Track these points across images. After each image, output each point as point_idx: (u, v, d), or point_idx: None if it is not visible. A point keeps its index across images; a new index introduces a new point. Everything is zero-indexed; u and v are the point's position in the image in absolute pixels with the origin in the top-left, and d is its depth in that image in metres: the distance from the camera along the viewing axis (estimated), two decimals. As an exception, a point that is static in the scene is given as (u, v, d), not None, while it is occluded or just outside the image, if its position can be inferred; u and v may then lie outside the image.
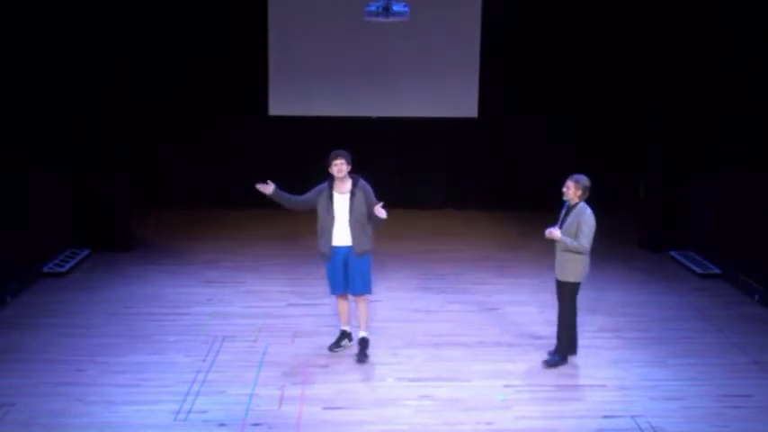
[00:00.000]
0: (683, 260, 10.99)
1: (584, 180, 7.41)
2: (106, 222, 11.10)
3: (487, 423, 6.53)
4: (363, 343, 7.75)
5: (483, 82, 13.48)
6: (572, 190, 7.39)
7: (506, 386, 7.19)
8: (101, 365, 7.44)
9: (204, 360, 7.62)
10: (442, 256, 11.19)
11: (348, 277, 7.64)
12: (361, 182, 7.57)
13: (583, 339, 8.25)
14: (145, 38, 12.82)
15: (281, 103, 13.48)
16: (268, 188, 7.57)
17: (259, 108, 13.48)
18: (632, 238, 12.10)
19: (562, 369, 7.54)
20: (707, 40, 10.64)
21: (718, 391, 7.16)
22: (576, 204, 7.40)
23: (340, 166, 7.47)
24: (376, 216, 7.41)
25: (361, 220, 7.48)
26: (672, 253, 11.32)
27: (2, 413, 6.47)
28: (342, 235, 7.53)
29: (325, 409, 6.73)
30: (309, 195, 7.67)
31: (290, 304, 9.25)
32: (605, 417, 6.67)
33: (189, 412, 6.60)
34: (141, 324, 8.51)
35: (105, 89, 10.81)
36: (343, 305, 7.91)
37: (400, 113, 13.49)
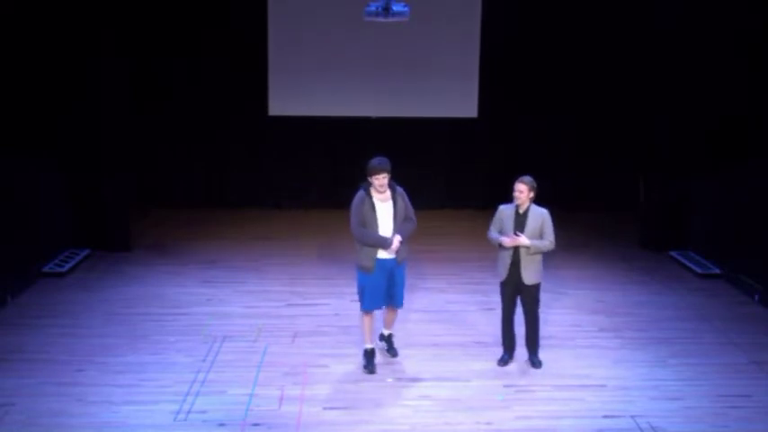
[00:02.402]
0: (683, 260, 10.99)
1: (533, 181, 7.35)
2: (106, 222, 11.09)
3: (487, 423, 6.53)
4: (391, 338, 7.78)
5: (483, 82, 13.48)
6: (525, 193, 7.29)
7: (506, 386, 7.20)
8: (101, 365, 7.44)
9: (204, 360, 7.62)
10: (442, 256, 11.20)
11: (391, 290, 7.36)
12: (399, 188, 7.32)
13: (583, 339, 8.28)
14: (144, 38, 12.82)
15: (281, 103, 13.48)
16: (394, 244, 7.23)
17: (259, 108, 13.49)
18: (632, 238, 12.11)
19: (562, 369, 7.54)
20: (707, 40, 10.63)
21: (718, 391, 7.16)
22: (529, 207, 7.33)
23: (383, 181, 7.09)
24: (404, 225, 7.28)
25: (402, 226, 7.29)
26: (672, 253, 11.32)
27: (2, 413, 6.47)
28: None
29: (325, 409, 6.73)
30: (359, 215, 7.17)
31: (290, 304, 9.25)
32: (605, 417, 6.67)
33: (189, 412, 6.60)
34: (141, 324, 8.50)
35: (105, 89, 10.80)
36: (372, 321, 7.47)
37: (400, 113, 13.50)
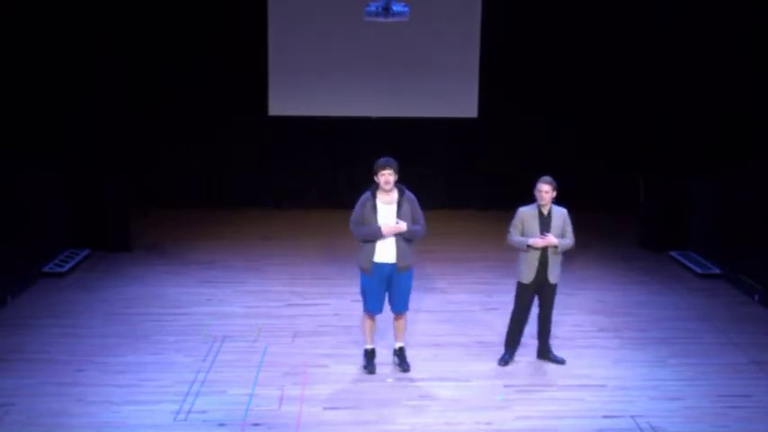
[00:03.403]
0: (683, 260, 10.99)
1: (554, 180, 7.36)
2: (106, 222, 11.09)
3: (487, 423, 6.53)
4: (403, 352, 7.56)
5: (483, 82, 13.48)
6: (550, 193, 7.29)
7: (506, 386, 7.20)
8: (101, 365, 7.44)
9: (204, 360, 7.62)
10: (442, 256, 11.19)
11: (390, 295, 7.30)
12: (408, 192, 7.22)
13: (583, 339, 8.27)
14: (144, 38, 12.82)
15: (281, 103, 13.48)
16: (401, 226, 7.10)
17: (259, 108, 13.49)
18: (632, 238, 12.11)
19: (562, 369, 7.54)
20: (707, 40, 10.63)
21: (718, 391, 7.16)
22: (551, 207, 7.34)
23: (388, 177, 7.02)
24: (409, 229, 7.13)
25: (404, 234, 7.12)
26: (672, 253, 11.32)
27: (2, 413, 6.47)
28: (385, 249, 7.13)
29: (325, 409, 6.73)
30: (359, 214, 7.15)
31: (290, 304, 9.25)
32: (605, 417, 6.66)
33: (189, 412, 6.60)
34: (141, 324, 8.50)
35: (105, 89, 10.80)
36: (373, 323, 7.45)
37: (400, 113, 13.49)
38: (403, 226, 7.05)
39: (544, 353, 7.71)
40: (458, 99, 13.54)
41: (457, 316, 8.96)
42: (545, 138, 13.72)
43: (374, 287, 7.25)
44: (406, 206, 7.17)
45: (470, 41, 13.36)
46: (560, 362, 7.62)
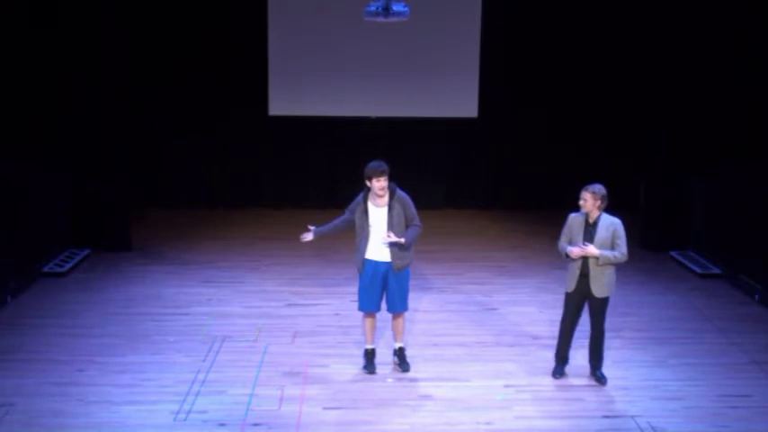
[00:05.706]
0: (683, 260, 10.99)
1: (601, 189, 7.02)
2: (106, 223, 11.10)
3: (487, 423, 6.53)
4: (402, 352, 7.54)
5: (483, 82, 13.48)
6: (590, 202, 7.00)
7: (506, 386, 7.19)
8: (101, 365, 7.44)
9: (204, 360, 7.62)
10: (442, 256, 11.19)
11: (387, 295, 7.29)
12: (399, 192, 7.09)
13: (583, 339, 8.25)
14: (144, 37, 12.82)
15: (281, 103, 13.48)
16: (309, 236, 7.34)
17: (259, 108, 13.49)
18: (632, 238, 12.03)
19: (562, 369, 7.54)
20: (707, 40, 10.64)
21: (718, 391, 7.16)
22: (599, 216, 7.06)
23: (383, 183, 6.95)
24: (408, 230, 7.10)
25: (400, 234, 7.07)
26: (672, 253, 11.32)
27: (2, 413, 6.47)
28: (379, 250, 7.12)
29: (325, 409, 6.73)
30: (347, 216, 7.27)
31: (290, 304, 9.25)
32: (605, 417, 6.67)
33: (189, 412, 6.60)
34: (141, 324, 8.50)
35: (104, 89, 10.80)
36: (372, 323, 7.41)
37: (400, 113, 13.49)
38: (401, 241, 7.02)
39: (591, 370, 7.40)
40: (458, 99, 13.54)
41: (456, 316, 8.96)
42: (545, 137, 13.71)
43: (367, 286, 7.25)
44: (397, 208, 7.09)
45: (470, 41, 13.36)
46: (601, 380, 7.25)
